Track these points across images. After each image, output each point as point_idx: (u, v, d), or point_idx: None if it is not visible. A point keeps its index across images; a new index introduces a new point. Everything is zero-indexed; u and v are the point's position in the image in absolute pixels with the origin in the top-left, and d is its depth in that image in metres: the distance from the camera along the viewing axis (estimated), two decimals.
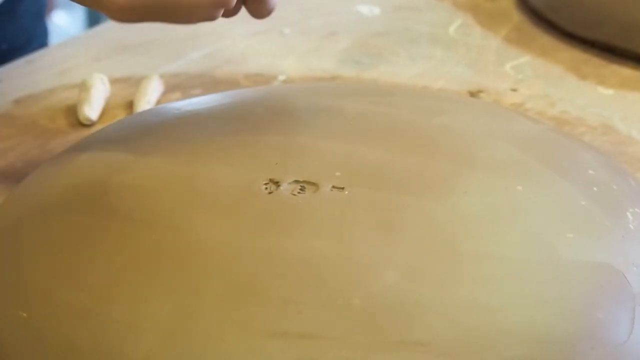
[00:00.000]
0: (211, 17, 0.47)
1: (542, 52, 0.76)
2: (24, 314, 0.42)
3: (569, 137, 0.55)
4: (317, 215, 0.44)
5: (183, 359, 0.38)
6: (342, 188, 0.45)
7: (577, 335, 0.39)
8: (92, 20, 2.04)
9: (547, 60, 0.75)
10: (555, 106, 0.68)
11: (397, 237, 0.42)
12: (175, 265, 0.42)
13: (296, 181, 0.46)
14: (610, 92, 0.70)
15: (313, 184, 0.46)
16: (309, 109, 0.54)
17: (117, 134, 0.53)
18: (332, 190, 0.45)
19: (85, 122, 0.64)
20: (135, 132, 0.52)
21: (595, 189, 0.47)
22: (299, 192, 0.45)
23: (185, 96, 0.68)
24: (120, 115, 0.66)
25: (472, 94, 0.70)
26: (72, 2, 0.47)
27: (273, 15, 0.52)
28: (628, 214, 0.46)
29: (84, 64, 0.72)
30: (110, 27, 0.81)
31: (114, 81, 0.69)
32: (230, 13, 0.50)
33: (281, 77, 0.72)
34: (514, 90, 0.70)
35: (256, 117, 0.53)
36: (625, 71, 0.73)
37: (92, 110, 0.65)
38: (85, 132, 0.63)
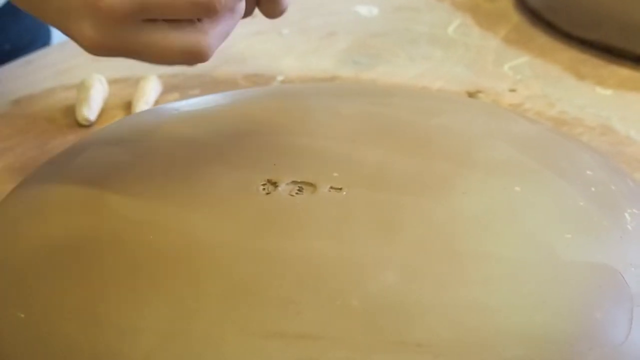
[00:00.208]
0: (187, 64, 0.46)
1: (540, 53, 0.77)
2: (22, 315, 0.41)
3: (567, 138, 0.55)
4: (315, 216, 0.44)
5: (182, 359, 0.38)
6: (340, 189, 0.45)
7: (575, 336, 0.40)
8: None
9: (545, 61, 0.75)
10: (554, 106, 0.68)
11: (396, 238, 0.43)
12: (174, 266, 0.42)
13: (294, 182, 0.46)
14: (608, 92, 0.70)
15: (311, 184, 0.46)
16: (308, 110, 0.54)
17: (115, 135, 0.53)
18: (330, 190, 0.45)
19: (83, 122, 0.64)
20: (133, 133, 0.52)
21: (593, 189, 0.47)
22: (297, 193, 0.45)
23: (184, 96, 0.68)
24: (119, 115, 0.66)
25: (471, 95, 0.70)
26: None
27: None
28: (626, 214, 0.46)
29: (83, 65, 0.72)
30: None
31: (112, 81, 0.69)
32: (245, 14, 0.49)
33: (280, 78, 0.72)
34: (512, 90, 0.70)
35: (254, 118, 0.53)
36: (623, 71, 0.73)
37: (90, 110, 0.65)
38: (84, 133, 0.63)
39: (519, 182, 0.47)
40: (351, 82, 0.71)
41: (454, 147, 0.49)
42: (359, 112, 0.53)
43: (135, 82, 0.69)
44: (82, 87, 0.67)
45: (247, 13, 0.49)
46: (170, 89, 0.69)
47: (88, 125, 0.64)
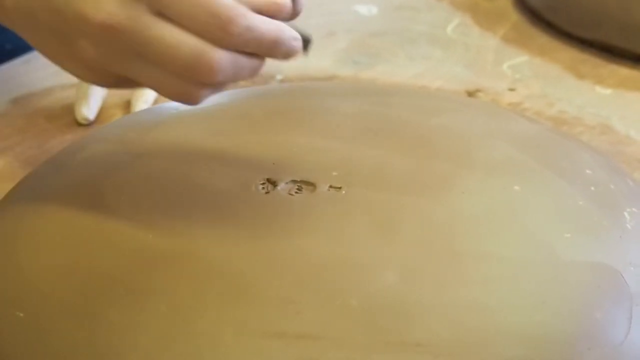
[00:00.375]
0: (189, 77, 0.42)
1: (540, 52, 0.76)
2: (21, 314, 0.41)
3: (567, 137, 0.55)
4: (315, 215, 0.44)
5: (182, 359, 0.38)
6: (340, 188, 0.45)
7: (575, 335, 0.40)
8: None
9: (545, 60, 0.75)
10: (553, 106, 0.68)
11: (395, 237, 0.42)
12: (173, 266, 0.42)
13: (293, 181, 0.46)
14: (608, 91, 0.70)
15: (310, 183, 0.46)
16: (307, 109, 0.54)
17: (114, 134, 0.53)
18: (329, 190, 0.45)
19: (82, 121, 0.64)
20: (132, 132, 0.52)
21: (593, 188, 0.47)
22: (296, 192, 0.45)
23: None
24: (118, 115, 0.66)
25: (470, 94, 0.69)
26: None
27: None
28: (626, 213, 0.46)
29: None
30: None
31: None
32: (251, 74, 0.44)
33: (279, 77, 0.72)
34: (511, 90, 0.70)
35: (253, 117, 0.53)
36: (623, 71, 0.73)
37: (89, 110, 0.65)
38: (83, 132, 0.63)
39: (519, 182, 0.47)
40: (350, 81, 0.71)
41: (454, 147, 0.49)
42: (358, 112, 0.53)
43: None
44: (81, 87, 0.66)
45: (254, 72, 0.43)
46: None
47: (87, 124, 0.64)
